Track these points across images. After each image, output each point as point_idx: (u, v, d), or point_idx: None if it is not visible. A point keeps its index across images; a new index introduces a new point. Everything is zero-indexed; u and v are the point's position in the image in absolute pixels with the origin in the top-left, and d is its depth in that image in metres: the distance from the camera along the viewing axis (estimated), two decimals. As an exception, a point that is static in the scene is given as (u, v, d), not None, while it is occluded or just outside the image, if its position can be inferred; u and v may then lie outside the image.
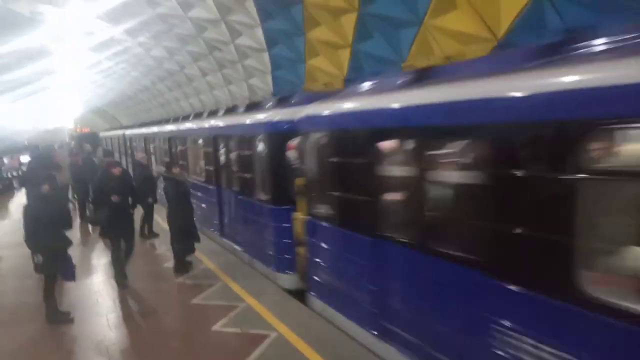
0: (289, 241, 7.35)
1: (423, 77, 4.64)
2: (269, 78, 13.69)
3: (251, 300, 6.97)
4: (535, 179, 3.13)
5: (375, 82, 5.69)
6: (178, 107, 23.46)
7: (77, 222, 13.57)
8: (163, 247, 10.17)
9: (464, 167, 3.94)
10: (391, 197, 4.76)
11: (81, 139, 33.12)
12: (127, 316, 6.88)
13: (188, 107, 22.00)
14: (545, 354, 3.07)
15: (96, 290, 8.08)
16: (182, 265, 8.60)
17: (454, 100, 3.81)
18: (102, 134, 33.66)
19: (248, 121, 8.74)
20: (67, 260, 6.76)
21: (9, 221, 15.94)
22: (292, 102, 8.04)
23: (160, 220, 11.44)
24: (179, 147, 13.55)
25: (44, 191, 6.66)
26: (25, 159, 29.85)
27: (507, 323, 3.37)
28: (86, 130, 46.65)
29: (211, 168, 10.62)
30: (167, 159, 14.04)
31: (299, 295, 6.98)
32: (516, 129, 3.27)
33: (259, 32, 11.93)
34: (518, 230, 3.23)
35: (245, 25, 12.09)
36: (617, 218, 3.03)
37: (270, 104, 8.73)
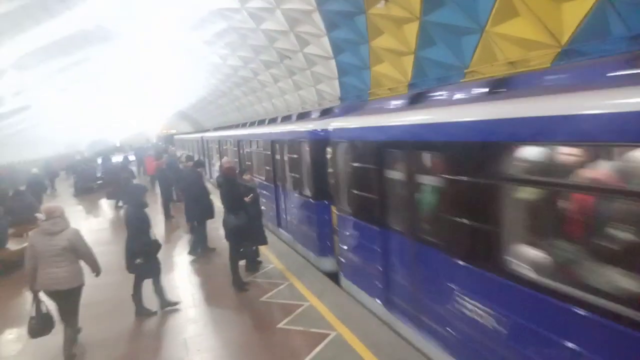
0: None
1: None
2: (336, 84, 14.13)
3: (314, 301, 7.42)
4: None
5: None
6: (252, 111, 24.61)
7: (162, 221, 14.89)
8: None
9: None
10: None
11: (161, 141, 35.70)
12: (204, 310, 7.60)
13: (262, 111, 23.05)
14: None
15: (177, 285, 8.95)
16: (253, 264, 9.25)
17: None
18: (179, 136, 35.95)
19: None
20: (157, 261, 7.54)
21: (101, 219, 17.66)
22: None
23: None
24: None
25: (143, 199, 7.44)
26: (117, 159, 32.63)
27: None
28: (171, 131, 50.09)
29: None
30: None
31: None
32: None
33: (326, 41, 12.39)
34: None
35: (312, 35, 12.60)
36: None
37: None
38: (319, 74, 14.62)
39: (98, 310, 7.75)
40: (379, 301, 6.43)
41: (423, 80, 10.28)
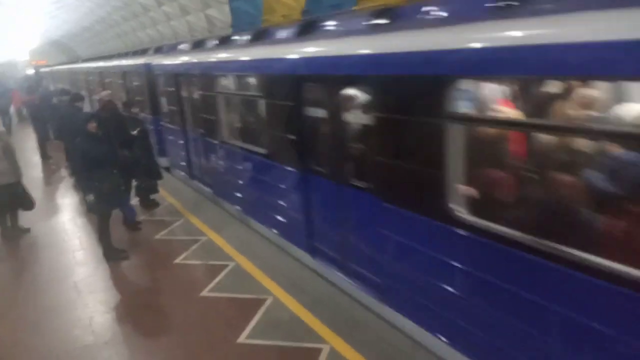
0: None
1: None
2: (227, 9, 13.29)
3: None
4: None
5: None
6: (135, 38, 22.55)
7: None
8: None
9: None
10: None
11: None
12: (94, 252, 7.18)
13: (146, 39, 21.21)
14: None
15: (64, 229, 8.35)
16: (147, 203, 8.85)
17: None
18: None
19: None
20: (126, 200, 6.94)
21: None
22: None
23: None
24: None
25: (92, 130, 6.52)
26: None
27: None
28: (42, 62, 44.42)
29: None
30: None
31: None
32: None
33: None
34: None
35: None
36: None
37: None
38: (207, -3, 13.64)
39: None
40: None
41: (317, 6, 10.03)
